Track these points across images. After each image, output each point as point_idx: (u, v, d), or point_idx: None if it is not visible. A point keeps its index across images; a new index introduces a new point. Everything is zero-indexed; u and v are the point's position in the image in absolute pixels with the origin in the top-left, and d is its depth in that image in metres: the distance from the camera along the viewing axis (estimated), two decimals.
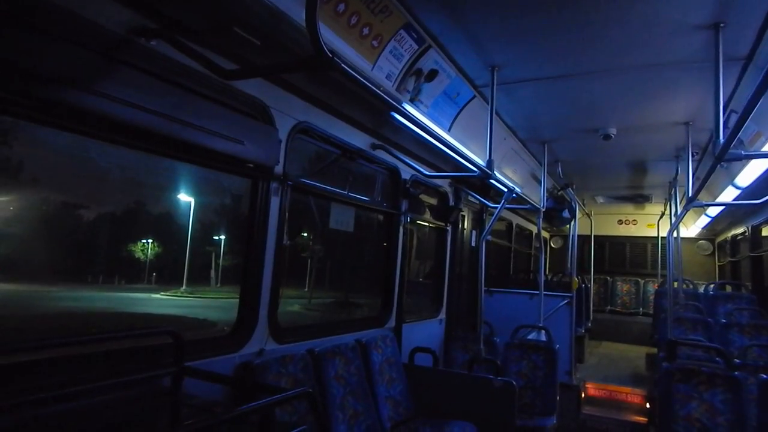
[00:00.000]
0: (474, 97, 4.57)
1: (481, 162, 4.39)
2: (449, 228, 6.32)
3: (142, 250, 6.67)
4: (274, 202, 3.35)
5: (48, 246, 3.79)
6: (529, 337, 5.92)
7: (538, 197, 7.11)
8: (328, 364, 3.62)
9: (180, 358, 2.51)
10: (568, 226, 9.21)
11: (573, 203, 8.29)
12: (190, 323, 6.18)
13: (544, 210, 7.08)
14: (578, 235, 8.91)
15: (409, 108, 3.65)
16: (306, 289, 9.05)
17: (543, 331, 5.90)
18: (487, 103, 4.35)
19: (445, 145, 4.11)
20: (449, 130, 4.58)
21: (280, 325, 3.46)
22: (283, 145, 3.36)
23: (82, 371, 2.22)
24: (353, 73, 2.41)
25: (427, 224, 6.32)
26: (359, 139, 4.30)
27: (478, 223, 7.55)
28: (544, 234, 12.55)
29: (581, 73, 4.20)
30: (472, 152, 4.60)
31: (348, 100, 3.79)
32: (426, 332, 5.71)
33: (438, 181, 5.88)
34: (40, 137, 2.66)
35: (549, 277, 10.30)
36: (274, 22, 2.55)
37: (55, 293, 4.09)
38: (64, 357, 2.18)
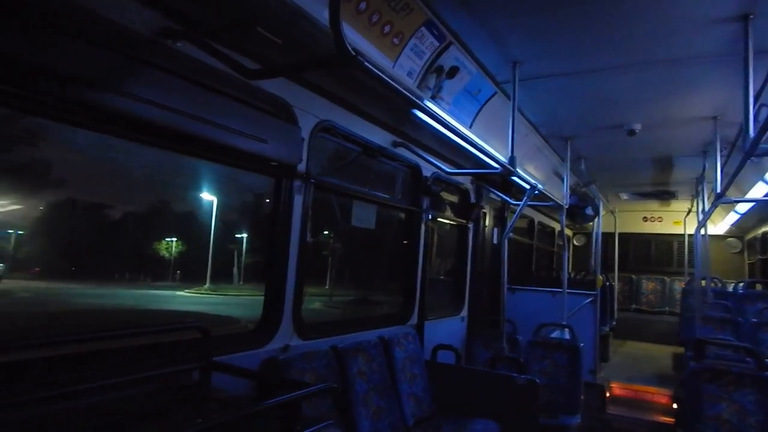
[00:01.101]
0: (495, 93, 4.55)
1: (503, 159, 4.36)
2: (471, 225, 6.29)
3: (167, 249, 6.79)
4: (297, 200, 3.38)
5: (76, 245, 3.89)
6: (552, 335, 5.87)
7: (560, 194, 7.03)
8: (351, 360, 3.63)
9: (208, 353, 2.56)
10: (591, 223, 9.10)
11: (596, 200, 8.18)
12: (215, 320, 6.28)
13: (567, 207, 7.00)
14: (602, 233, 8.79)
15: (431, 105, 3.64)
16: (327, 287, 9.10)
17: (566, 330, 5.84)
18: (509, 99, 4.32)
19: (466, 142, 4.09)
20: (471, 127, 4.56)
21: (304, 321, 3.49)
22: (305, 144, 3.38)
23: (114, 364, 2.27)
24: (375, 70, 2.42)
25: (448, 222, 6.30)
26: (380, 137, 4.31)
27: (500, 220, 7.50)
28: (567, 231, 12.41)
29: (604, 68, 4.14)
30: (493, 149, 4.56)
31: (369, 98, 3.79)
32: (448, 329, 5.70)
33: (459, 179, 5.86)
34: (68, 138, 2.74)
35: (572, 275, 10.19)
36: (295, 21, 2.57)
37: (84, 291, 4.19)
38: (97, 351, 2.25)
